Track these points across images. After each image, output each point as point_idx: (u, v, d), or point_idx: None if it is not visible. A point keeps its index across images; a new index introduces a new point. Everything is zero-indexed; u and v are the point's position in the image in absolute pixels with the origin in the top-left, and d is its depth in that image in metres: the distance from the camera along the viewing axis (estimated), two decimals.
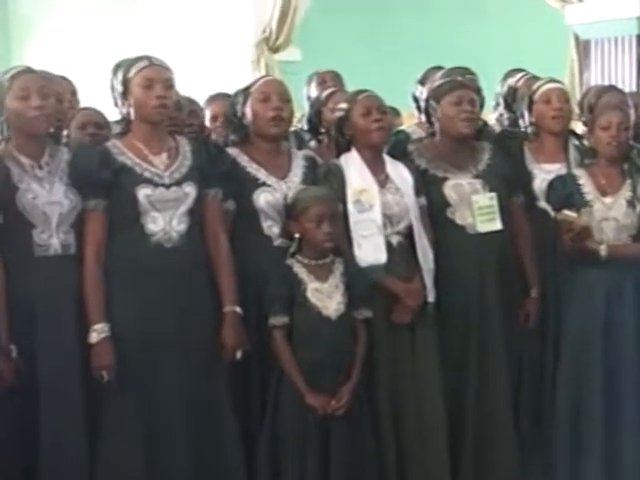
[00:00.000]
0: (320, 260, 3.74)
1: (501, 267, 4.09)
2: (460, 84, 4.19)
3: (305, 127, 4.85)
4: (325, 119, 4.55)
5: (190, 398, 3.59)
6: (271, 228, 3.82)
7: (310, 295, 3.69)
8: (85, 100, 4.57)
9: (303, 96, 5.44)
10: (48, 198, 3.49)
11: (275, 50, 8.05)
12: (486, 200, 4.07)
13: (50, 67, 3.81)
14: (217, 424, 3.64)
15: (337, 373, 3.68)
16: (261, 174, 3.85)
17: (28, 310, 3.43)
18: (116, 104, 3.70)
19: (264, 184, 3.83)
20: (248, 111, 3.90)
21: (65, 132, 4.04)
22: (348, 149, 4.00)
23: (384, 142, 4.01)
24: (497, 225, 4.07)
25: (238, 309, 3.66)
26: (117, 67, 3.67)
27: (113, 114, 3.83)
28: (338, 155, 4.04)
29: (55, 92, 3.66)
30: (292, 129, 4.36)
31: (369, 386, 3.80)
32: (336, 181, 3.90)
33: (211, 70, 7.76)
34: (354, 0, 9.01)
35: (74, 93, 4.53)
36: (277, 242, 3.82)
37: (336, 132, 4.07)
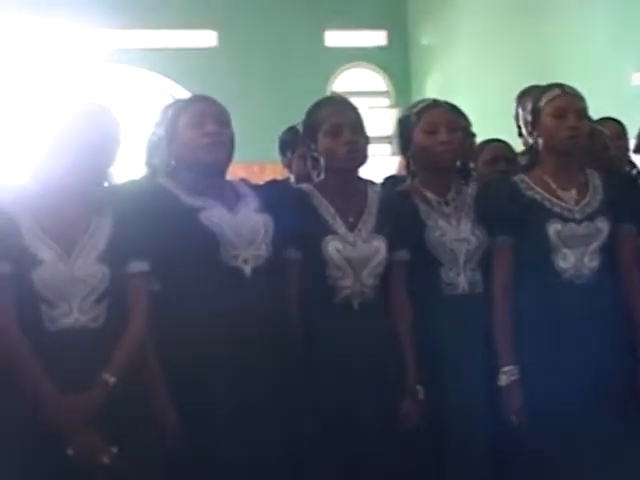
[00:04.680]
0: None
1: None
2: None
3: None
4: None
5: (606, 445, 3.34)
6: None
7: None
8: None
9: None
10: (455, 235, 3.43)
11: None
12: None
13: (452, 99, 3.74)
14: None
15: None
16: None
17: (435, 349, 3.36)
18: (520, 134, 3.56)
19: None
20: None
21: (472, 166, 3.97)
22: None
23: None
24: None
25: None
26: (523, 95, 3.53)
27: None
28: None
29: (462, 126, 3.60)
30: None
31: None
32: None
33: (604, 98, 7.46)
34: None
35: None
36: None
37: None
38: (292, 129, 3.73)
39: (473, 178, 3.73)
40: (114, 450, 2.83)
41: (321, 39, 10.28)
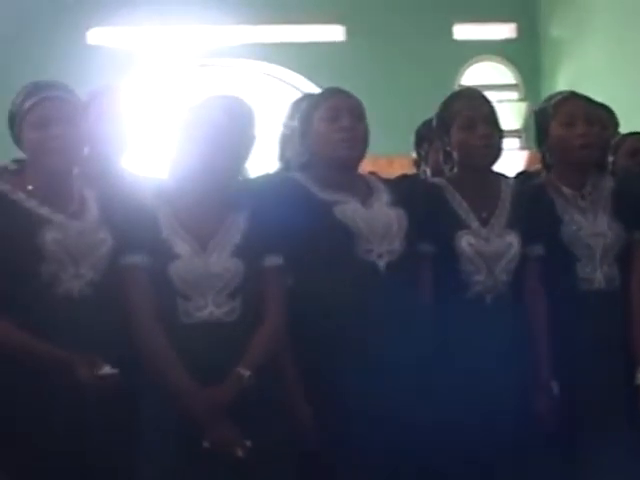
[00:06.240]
0: None
1: None
2: None
3: None
4: None
5: None
6: None
7: None
8: None
9: None
10: (592, 230, 3.37)
11: None
12: None
13: (583, 92, 3.67)
14: None
15: None
16: None
17: (570, 346, 3.30)
18: None
19: None
20: None
21: (610, 159, 3.90)
22: None
23: None
24: None
25: None
26: None
27: None
28: None
29: (600, 119, 3.53)
30: None
31: None
32: None
33: None
34: None
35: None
36: None
37: None
38: (429, 122, 3.69)
39: (609, 172, 3.66)
40: (248, 444, 2.84)
41: (450, 32, 10.19)
